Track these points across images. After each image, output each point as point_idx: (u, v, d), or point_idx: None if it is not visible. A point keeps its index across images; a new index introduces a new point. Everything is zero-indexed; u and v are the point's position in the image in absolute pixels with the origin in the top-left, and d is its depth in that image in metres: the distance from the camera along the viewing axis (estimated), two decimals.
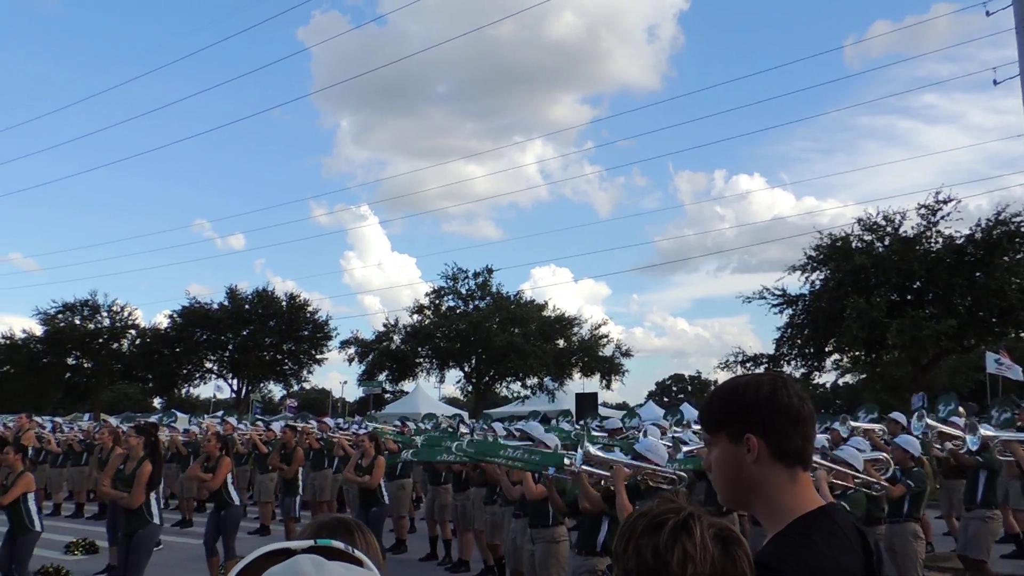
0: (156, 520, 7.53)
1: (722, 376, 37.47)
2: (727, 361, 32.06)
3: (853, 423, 11.81)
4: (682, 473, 5.83)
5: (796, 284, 30.61)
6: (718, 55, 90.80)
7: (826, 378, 36.50)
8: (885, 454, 7.91)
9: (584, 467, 5.63)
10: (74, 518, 15.30)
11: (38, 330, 46.28)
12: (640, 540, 1.26)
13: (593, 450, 5.82)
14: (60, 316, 45.88)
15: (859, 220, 29.15)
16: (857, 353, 29.56)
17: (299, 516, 12.14)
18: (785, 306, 30.71)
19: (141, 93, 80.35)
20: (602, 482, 5.74)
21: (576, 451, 5.86)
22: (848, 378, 37.98)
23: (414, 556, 11.28)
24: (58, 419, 25.52)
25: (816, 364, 31.35)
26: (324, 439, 14.26)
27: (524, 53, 74.33)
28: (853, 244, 28.97)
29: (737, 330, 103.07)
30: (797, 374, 31.01)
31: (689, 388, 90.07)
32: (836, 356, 31.39)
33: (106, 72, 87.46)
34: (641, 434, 10.03)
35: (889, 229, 28.57)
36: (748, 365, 31.54)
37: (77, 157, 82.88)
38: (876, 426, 12.08)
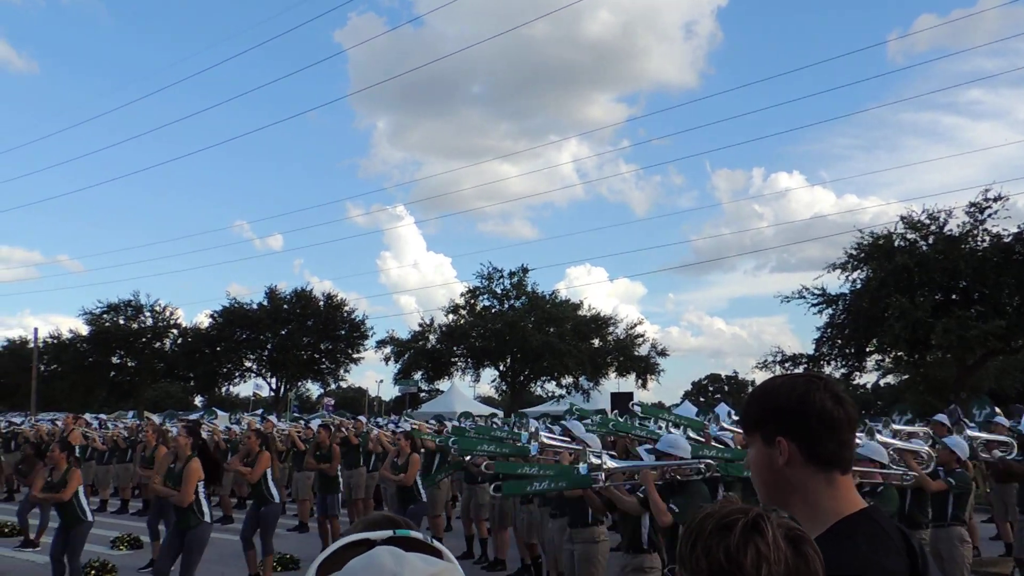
0: (207, 519, 7.67)
1: (760, 376, 37.04)
2: (765, 361, 31.68)
3: (896, 427, 11.57)
4: (709, 462, 5.79)
5: (836, 283, 30.14)
6: (757, 51, 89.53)
7: (867, 379, 35.81)
8: (926, 446, 7.76)
9: (609, 483, 5.59)
10: (119, 514, 15.64)
11: (84, 330, 47.49)
12: (709, 541, 1.24)
13: (612, 463, 5.74)
14: (105, 316, 46.96)
15: (902, 218, 28.57)
16: (900, 354, 28.99)
17: (339, 513, 12.25)
18: (825, 306, 30.22)
19: (181, 98, 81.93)
20: (639, 491, 5.72)
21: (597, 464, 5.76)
22: (890, 379, 37.21)
23: (451, 554, 11.31)
24: (103, 417, 26.17)
25: (857, 364, 30.82)
26: (360, 436, 14.39)
27: (559, 52, 74.18)
28: (896, 243, 28.40)
29: (775, 330, 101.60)
30: (837, 374, 30.52)
31: (726, 388, 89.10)
32: (878, 356, 30.82)
33: (147, 79, 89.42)
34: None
35: (933, 227, 27.95)
36: (787, 365, 31.12)
37: (121, 161, 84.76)
38: (919, 428, 11.83)
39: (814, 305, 30.29)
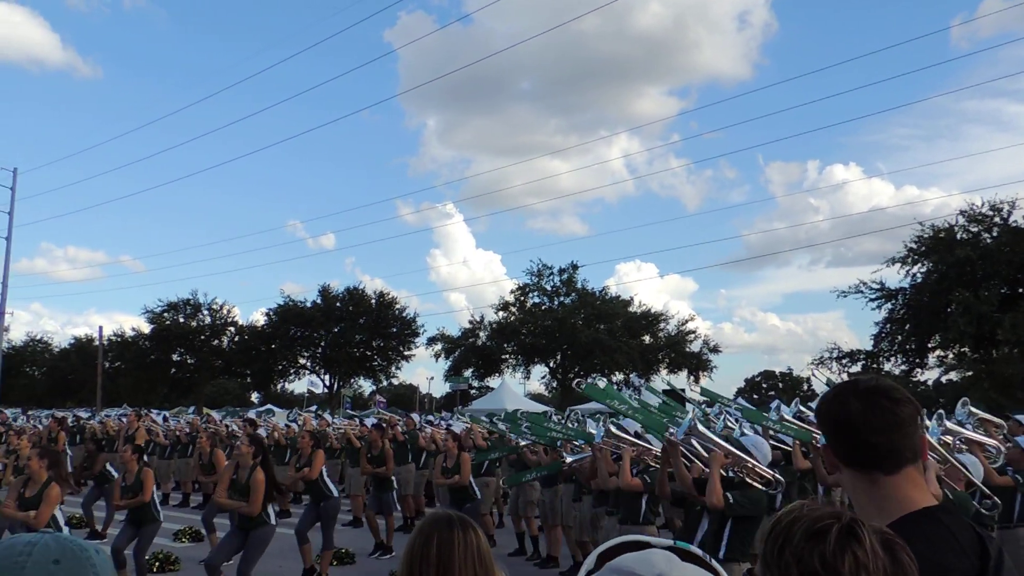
0: (272, 520, 7.82)
1: (816, 373, 36.26)
2: (821, 358, 31.08)
3: (951, 425, 11.17)
4: (780, 479, 5.65)
5: (895, 277, 29.46)
6: (813, 41, 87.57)
7: (929, 375, 34.81)
8: (996, 442, 7.51)
9: (683, 439, 5.54)
10: (180, 507, 16.06)
11: (146, 328, 48.88)
12: (800, 547, 1.20)
13: (700, 427, 5.68)
14: (166, 315, 48.28)
15: (963, 211, 27.67)
16: (964, 349, 28.10)
17: (396, 510, 12.34)
18: (884, 300, 29.47)
19: (237, 100, 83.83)
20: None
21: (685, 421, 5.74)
22: (953, 376, 36.09)
23: (502, 551, 11.35)
24: (166, 413, 26.94)
25: (918, 361, 29.99)
26: (408, 433, 14.52)
27: (609, 46, 73.70)
28: (958, 235, 27.55)
29: (832, 325, 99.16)
30: (897, 371, 29.74)
31: (780, 385, 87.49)
32: (940, 352, 29.93)
33: (205, 82, 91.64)
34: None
35: (997, 219, 27.03)
36: (844, 361, 30.48)
37: (180, 163, 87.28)
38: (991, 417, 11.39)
39: (872, 300, 29.59)
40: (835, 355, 30.56)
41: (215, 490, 8.34)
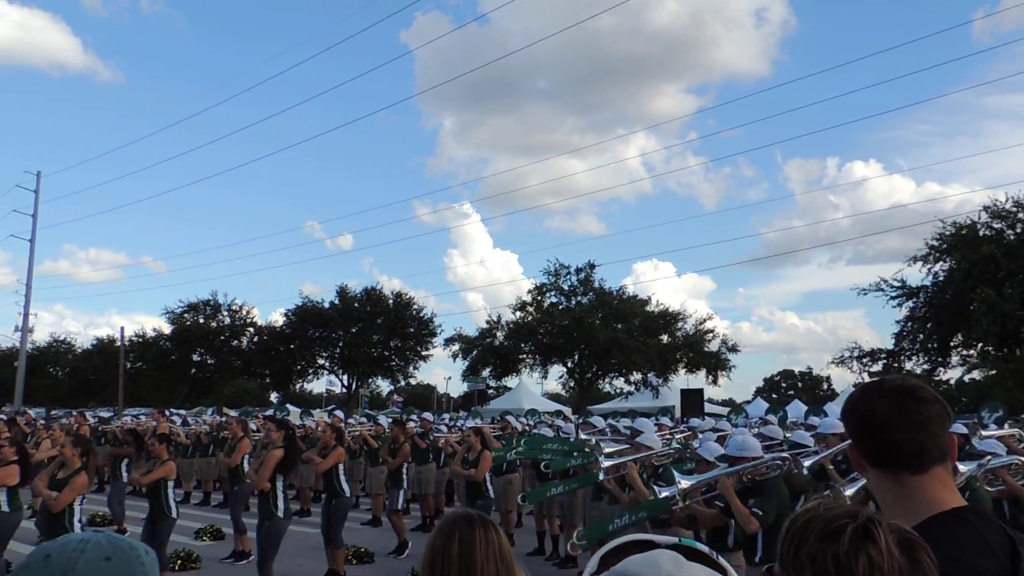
0: (281, 514, 7.87)
1: (835, 372, 36.02)
2: (842, 357, 30.77)
3: (984, 432, 10.98)
4: (784, 455, 5.63)
5: (917, 275, 29.17)
6: (832, 36, 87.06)
7: (951, 375, 34.40)
8: (1021, 458, 7.37)
9: (688, 501, 5.48)
10: (202, 506, 16.20)
11: (167, 329, 49.29)
12: (814, 547, 1.18)
13: (685, 483, 5.58)
14: (186, 315, 48.64)
15: (986, 207, 27.32)
16: (987, 348, 27.73)
17: (407, 509, 12.40)
18: (905, 298, 29.15)
19: (255, 103, 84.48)
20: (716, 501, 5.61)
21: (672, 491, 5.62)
22: (976, 374, 35.65)
23: (522, 550, 11.35)
24: (183, 412, 27.19)
25: (940, 360, 29.62)
26: (423, 434, 14.55)
27: (626, 45, 73.62)
28: (980, 232, 27.19)
29: (852, 324, 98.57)
30: (919, 370, 29.41)
31: (799, 384, 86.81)
32: (963, 351, 29.55)
33: (223, 85, 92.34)
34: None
35: (1021, 215, 26.65)
36: (864, 360, 30.18)
37: (199, 165, 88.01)
38: (1012, 431, 11.23)
39: (893, 298, 29.27)
40: (855, 354, 30.27)
41: (249, 472, 8.59)
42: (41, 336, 58.99)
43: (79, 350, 58.42)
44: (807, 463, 5.61)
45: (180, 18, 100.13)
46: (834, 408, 20.02)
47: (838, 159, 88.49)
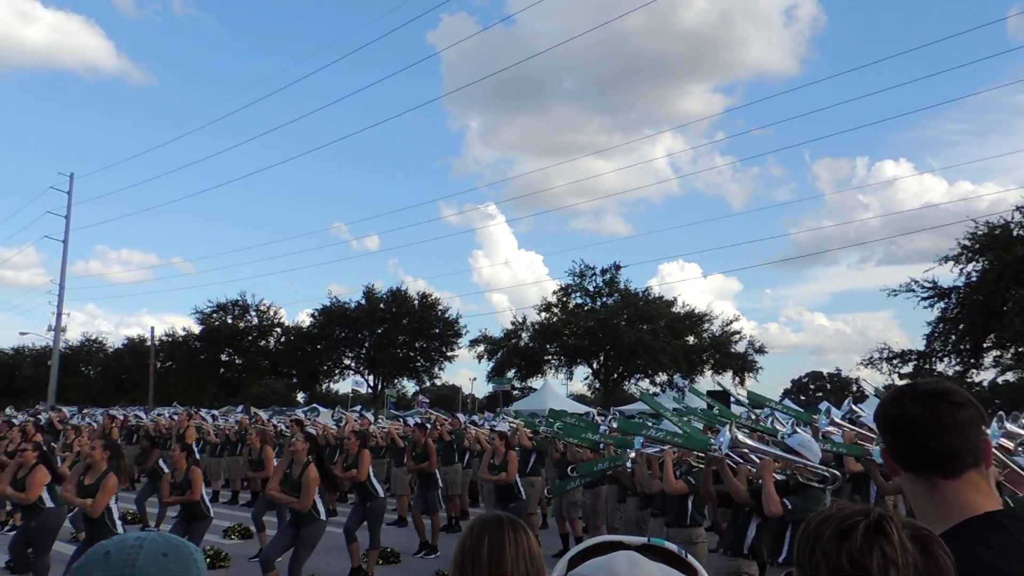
0: (323, 516, 7.97)
1: (865, 374, 35.55)
2: (871, 358, 30.40)
3: (1012, 428, 10.75)
4: (836, 472, 5.56)
5: (949, 276, 28.71)
6: (862, 34, 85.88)
7: (984, 376, 33.82)
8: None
9: (729, 452, 5.47)
10: (230, 504, 16.37)
11: (196, 329, 49.92)
12: (829, 546, 1.19)
13: (741, 436, 5.61)
14: (215, 316, 49.23)
15: (1020, 206, 26.82)
16: (1021, 349, 27.22)
17: (440, 508, 12.41)
18: (936, 299, 28.72)
19: (284, 104, 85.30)
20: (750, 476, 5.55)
21: (724, 432, 5.67)
22: (1010, 376, 35.01)
23: (547, 552, 11.33)
24: (215, 412, 27.49)
25: (973, 361, 29.15)
26: (454, 433, 14.58)
27: (654, 44, 73.30)
28: (1014, 232, 26.72)
29: (882, 325, 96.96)
30: (950, 372, 28.95)
31: (828, 386, 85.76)
32: (996, 352, 29.04)
33: (254, 86, 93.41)
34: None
35: None
36: (895, 362, 29.77)
37: (229, 166, 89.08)
38: None
39: (924, 299, 28.86)
40: (885, 355, 29.89)
41: (267, 484, 8.51)
42: (74, 335, 59.97)
43: (111, 349, 59.25)
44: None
45: (212, 20, 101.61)
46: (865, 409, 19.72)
47: (867, 158, 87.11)
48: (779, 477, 5.37)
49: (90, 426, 20.13)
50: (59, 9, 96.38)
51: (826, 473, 5.43)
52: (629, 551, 1.03)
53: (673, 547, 1.08)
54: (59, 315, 46.84)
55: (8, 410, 31.32)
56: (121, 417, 23.24)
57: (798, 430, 6.86)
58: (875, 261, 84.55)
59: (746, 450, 5.62)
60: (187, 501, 8.53)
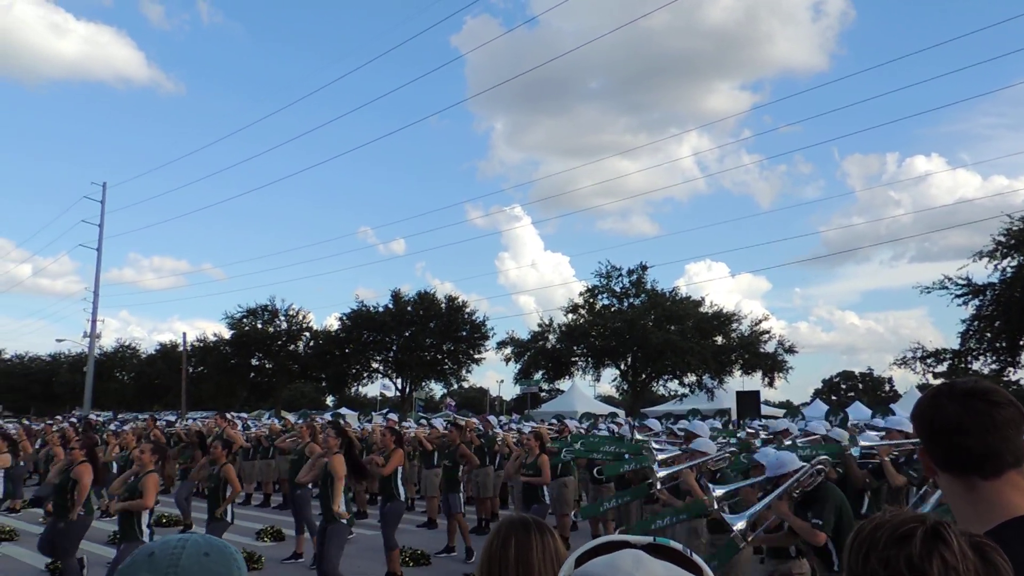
0: (344, 519, 7.99)
1: (898, 373, 35.07)
2: (904, 357, 29.92)
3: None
4: (824, 457, 5.56)
5: (983, 272, 28.16)
6: (893, 28, 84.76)
7: (1022, 374, 33.12)
8: None
9: (751, 532, 5.41)
10: (262, 507, 16.54)
11: (227, 334, 50.45)
12: (886, 552, 1.17)
13: (740, 524, 5.41)
14: (245, 321, 49.72)
15: None
16: None
17: (464, 512, 12.45)
18: (971, 296, 28.20)
19: (311, 110, 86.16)
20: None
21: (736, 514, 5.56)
22: None
23: None
24: (243, 416, 27.81)
25: (1010, 359, 28.55)
26: (485, 436, 14.59)
27: (679, 42, 72.97)
28: None
29: (915, 323, 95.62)
30: (986, 370, 28.40)
31: (860, 386, 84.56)
32: None
33: (280, 93, 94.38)
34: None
35: None
36: (928, 361, 29.28)
37: (258, 173, 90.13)
38: None
39: (959, 296, 28.34)
40: (919, 354, 29.40)
41: (300, 473, 8.67)
42: (108, 342, 60.92)
43: (144, 355, 60.12)
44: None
45: (239, 29, 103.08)
46: (900, 410, 19.49)
47: (898, 154, 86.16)
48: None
49: (134, 428, 20.37)
50: (90, 21, 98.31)
51: (817, 466, 5.38)
52: (634, 549, 1.04)
53: (678, 546, 1.08)
54: (94, 322, 47.62)
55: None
56: (164, 422, 23.57)
57: (761, 447, 6.89)
58: (907, 258, 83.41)
59: (755, 514, 5.48)
60: (230, 500, 8.61)
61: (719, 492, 5.69)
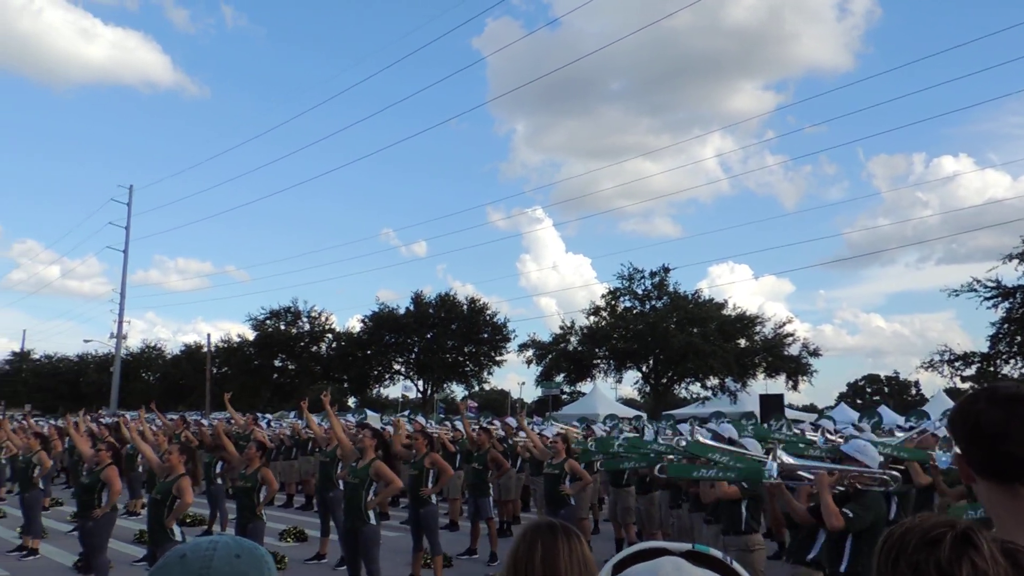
0: (372, 520, 7.97)
1: (924, 377, 34.63)
2: (931, 361, 29.53)
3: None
4: (895, 473, 5.39)
5: (1013, 274, 27.72)
6: (919, 26, 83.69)
7: None
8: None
9: (780, 479, 5.34)
10: (285, 508, 16.65)
11: (250, 335, 50.90)
12: (915, 556, 1.15)
13: (788, 459, 5.50)
14: (268, 322, 50.16)
15: None
16: None
17: (494, 516, 12.40)
18: (1000, 299, 27.77)
19: (333, 113, 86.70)
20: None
21: (769, 461, 5.56)
22: None
23: (600, 558, 11.23)
24: (268, 416, 28.02)
25: None
26: (504, 439, 14.57)
27: (702, 42, 72.59)
28: None
29: (942, 326, 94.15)
30: (1016, 374, 27.95)
31: (886, 389, 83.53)
32: None
33: (303, 96, 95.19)
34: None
35: None
36: (956, 364, 28.86)
37: (280, 175, 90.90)
38: None
39: (988, 299, 27.93)
40: (947, 358, 29.00)
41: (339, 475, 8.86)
42: (134, 343, 61.61)
43: (169, 356, 60.81)
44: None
45: (262, 32, 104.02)
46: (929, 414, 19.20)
47: (925, 154, 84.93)
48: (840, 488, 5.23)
49: (161, 428, 20.54)
50: (117, 26, 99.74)
51: (884, 476, 5.26)
52: (674, 557, 1.03)
53: (718, 554, 1.07)
54: (120, 323, 48.27)
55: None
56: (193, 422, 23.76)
57: (855, 435, 6.72)
58: (935, 260, 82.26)
59: (799, 471, 5.46)
60: (266, 501, 8.70)
61: (789, 459, 5.47)
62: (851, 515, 4.96)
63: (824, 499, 5.00)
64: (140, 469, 15.00)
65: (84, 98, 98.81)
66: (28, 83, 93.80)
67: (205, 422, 25.30)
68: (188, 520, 14.02)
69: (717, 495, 6.72)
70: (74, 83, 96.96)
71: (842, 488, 5.22)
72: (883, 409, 35.22)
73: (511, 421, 16.76)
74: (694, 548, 1.07)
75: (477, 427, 14.05)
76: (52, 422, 29.72)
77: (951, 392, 31.20)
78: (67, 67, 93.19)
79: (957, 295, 28.58)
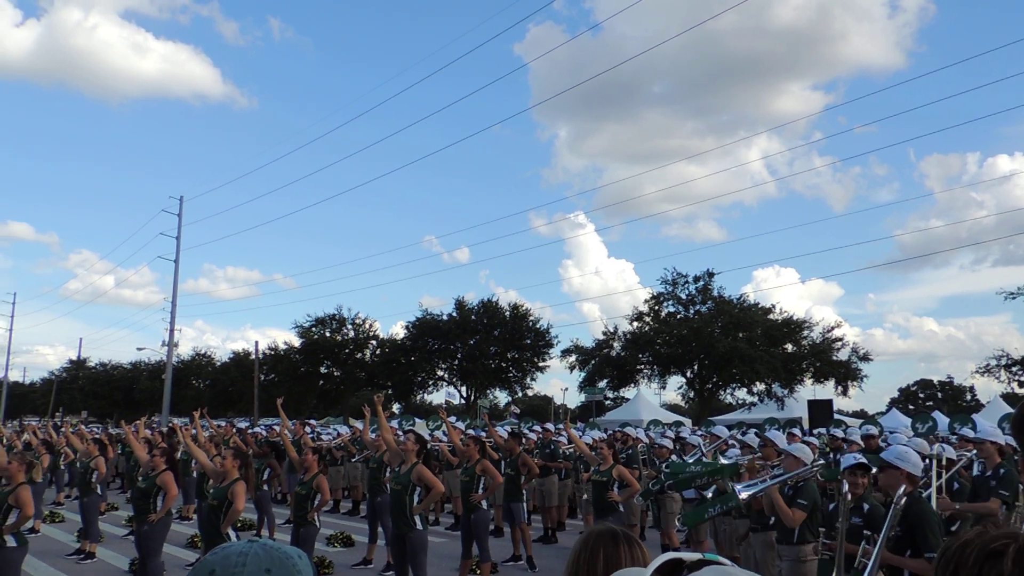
0: (419, 526, 7.97)
1: (980, 382, 33.63)
2: (987, 365, 28.71)
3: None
4: (819, 464, 5.86)
5: None
6: (973, 23, 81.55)
7: None
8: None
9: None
10: (331, 513, 16.84)
11: (296, 342, 51.64)
12: (975, 569, 1.14)
13: (744, 494, 6.17)
14: (314, 329, 50.83)
15: None
16: None
17: (529, 521, 12.39)
18: None
19: (378, 121, 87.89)
20: None
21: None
22: None
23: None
24: (313, 422, 28.38)
25: None
26: (550, 444, 14.51)
27: (747, 43, 71.68)
28: None
29: (998, 330, 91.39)
30: None
31: (939, 395, 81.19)
32: None
33: (349, 105, 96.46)
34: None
35: None
36: (1014, 369, 28.00)
37: (326, 184, 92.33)
38: None
39: None
40: (1003, 362, 28.18)
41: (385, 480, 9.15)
42: (185, 350, 63.12)
43: (218, 363, 61.98)
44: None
45: (308, 44, 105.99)
46: (982, 420, 18.64)
47: (979, 154, 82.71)
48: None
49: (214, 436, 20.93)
50: (168, 39, 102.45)
51: (815, 468, 6.18)
52: (726, 567, 1.04)
53: (727, 562, 1.08)
54: (172, 331, 49.29)
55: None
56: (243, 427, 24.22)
57: (893, 442, 6.72)
58: (990, 262, 79.85)
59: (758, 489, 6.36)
60: (316, 512, 8.79)
61: (744, 494, 6.22)
62: (805, 503, 6.36)
63: (779, 505, 6.28)
64: (194, 475, 15.29)
65: (137, 111, 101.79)
66: (83, 98, 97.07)
67: (260, 428, 25.80)
68: (239, 525, 14.28)
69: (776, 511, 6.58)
70: (128, 97, 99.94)
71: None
72: (936, 414, 34.32)
73: (549, 426, 16.70)
74: (705, 557, 1.08)
75: (507, 432, 14.06)
76: (107, 429, 30.53)
77: (1008, 397, 30.22)
78: (121, 81, 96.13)
79: (1014, 298, 27.80)
